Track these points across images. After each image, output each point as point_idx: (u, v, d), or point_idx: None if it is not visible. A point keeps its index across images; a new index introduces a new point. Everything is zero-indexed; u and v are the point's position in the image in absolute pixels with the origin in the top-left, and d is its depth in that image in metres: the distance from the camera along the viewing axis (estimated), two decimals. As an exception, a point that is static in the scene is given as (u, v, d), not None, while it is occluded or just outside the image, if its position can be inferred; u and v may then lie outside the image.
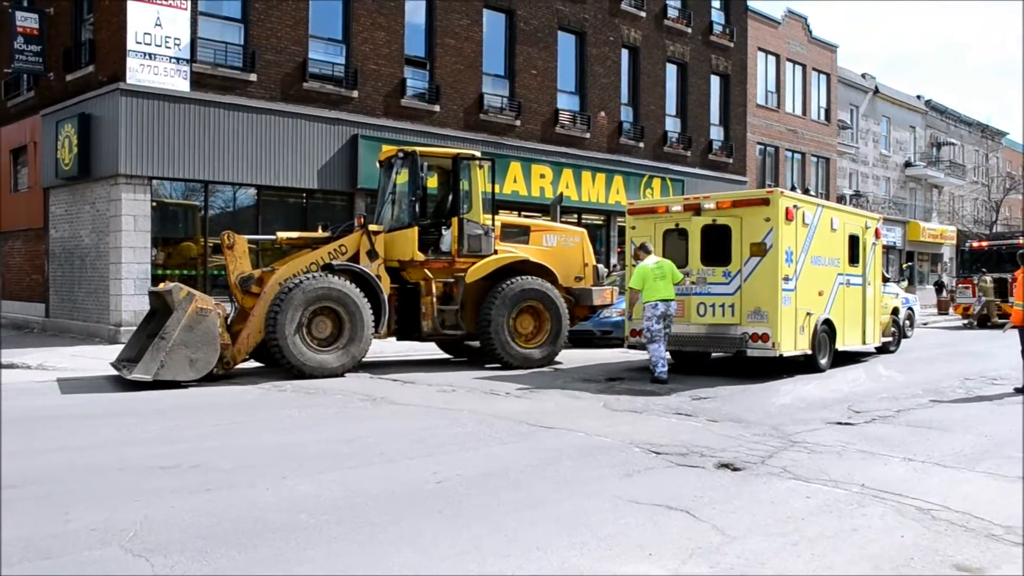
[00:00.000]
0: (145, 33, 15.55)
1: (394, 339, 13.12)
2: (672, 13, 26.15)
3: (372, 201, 16.50)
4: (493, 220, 12.94)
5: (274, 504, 5.04)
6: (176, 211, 16.96)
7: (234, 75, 16.71)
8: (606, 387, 10.56)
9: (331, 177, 18.25)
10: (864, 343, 14.06)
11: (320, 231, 12.65)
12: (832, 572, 4.02)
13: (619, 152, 24.49)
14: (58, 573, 3.93)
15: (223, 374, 10.78)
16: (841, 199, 34.97)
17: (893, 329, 15.78)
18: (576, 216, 22.95)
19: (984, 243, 28.27)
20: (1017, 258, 11.46)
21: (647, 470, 6.01)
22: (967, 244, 29.85)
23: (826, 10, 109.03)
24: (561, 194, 19.15)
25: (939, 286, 35.93)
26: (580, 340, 15.76)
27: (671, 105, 26.52)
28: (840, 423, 8.02)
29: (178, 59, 15.97)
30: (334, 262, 11.77)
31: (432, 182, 13.61)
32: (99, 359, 12.56)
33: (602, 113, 24.05)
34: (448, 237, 12.57)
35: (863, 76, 39.82)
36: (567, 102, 23.29)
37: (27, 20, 17.80)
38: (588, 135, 23.57)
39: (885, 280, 15.89)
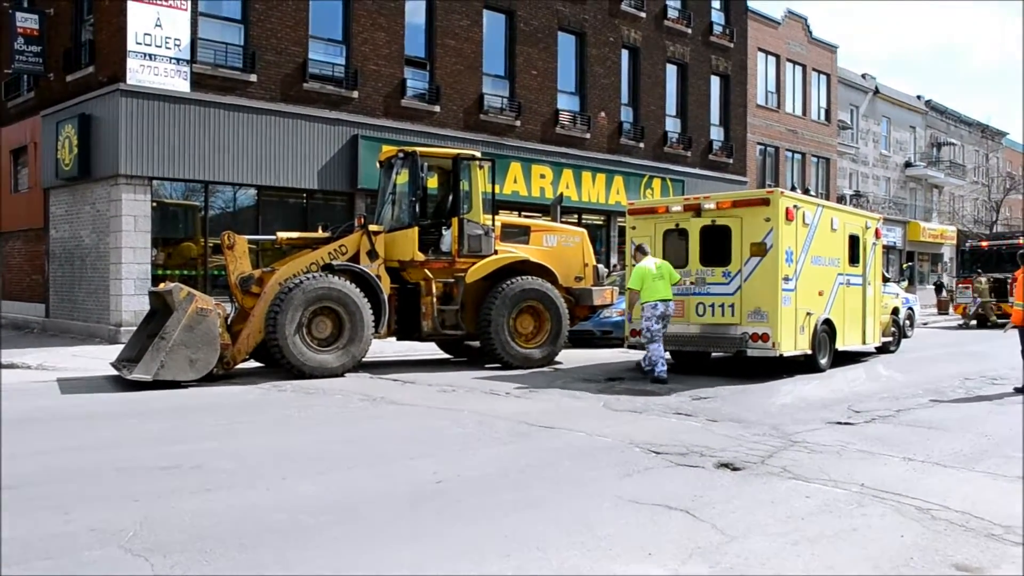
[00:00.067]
0: (145, 34, 15.55)
1: (394, 339, 13.12)
2: (672, 14, 26.15)
3: (372, 201, 16.51)
4: (493, 220, 12.95)
5: (274, 504, 5.04)
6: (176, 211, 16.96)
7: (234, 76, 16.72)
8: (606, 387, 10.56)
9: (331, 177, 18.26)
10: (864, 343, 14.06)
11: (320, 231, 12.65)
12: (832, 572, 4.02)
13: (619, 152, 24.50)
14: (58, 573, 3.92)
15: (223, 374, 10.79)
16: (841, 199, 34.96)
17: (893, 329, 15.78)
18: (576, 216, 22.95)
19: (985, 243, 28.30)
20: (1017, 258, 11.46)
21: (647, 470, 6.01)
22: (967, 244, 29.88)
23: (826, 10, 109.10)
24: (561, 194, 19.15)
25: (939, 286, 35.95)
26: (580, 340, 15.76)
27: (671, 105, 26.52)
28: (840, 423, 8.02)
29: (178, 60, 15.98)
30: (334, 262, 11.77)
31: (432, 182, 13.61)
32: (99, 359, 12.56)
33: (602, 113, 24.05)
34: (448, 237, 12.57)
35: (863, 76, 39.83)
36: (567, 102, 23.29)
37: (27, 21, 17.81)
38: (588, 135, 23.58)
39: (885, 280, 15.89)
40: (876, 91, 40.20)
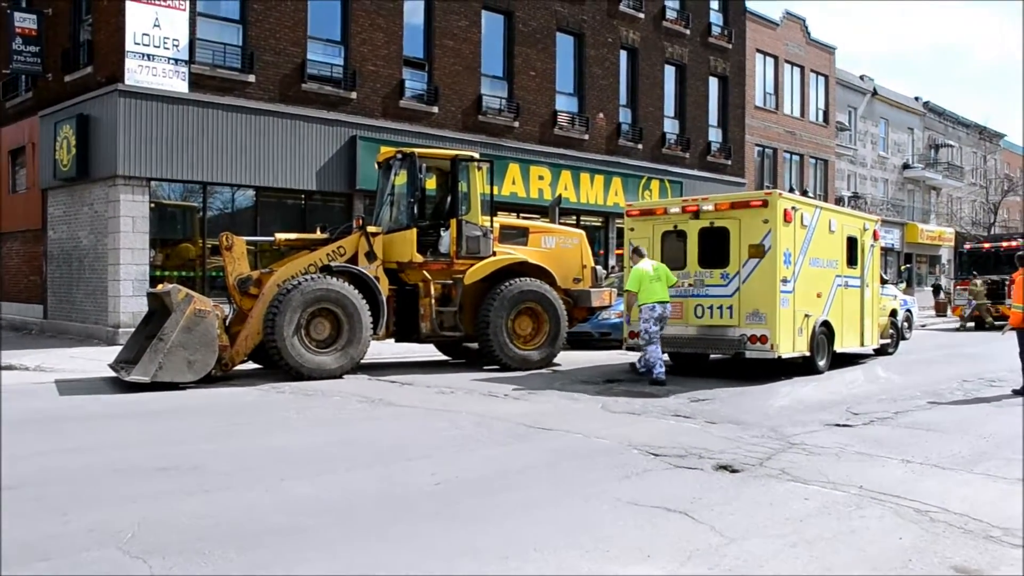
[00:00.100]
0: (144, 34, 15.54)
1: (392, 341, 13.12)
2: (670, 15, 26.17)
3: (370, 202, 16.50)
4: (492, 221, 12.95)
5: (272, 506, 5.03)
6: (174, 212, 16.95)
7: (233, 76, 16.71)
8: (604, 389, 10.56)
9: (329, 178, 18.25)
10: (862, 345, 14.06)
11: (318, 232, 12.63)
12: (831, 573, 4.02)
13: (618, 154, 24.51)
14: (56, 574, 3.92)
15: (221, 376, 10.77)
16: (839, 201, 34.99)
17: (891, 331, 15.79)
18: (575, 218, 22.96)
19: (986, 244, 28.33)
20: (1016, 260, 11.46)
21: (645, 472, 6.01)
22: (964, 246, 29.91)
23: (824, 11, 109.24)
24: (560, 195, 19.18)
25: (937, 288, 35.98)
26: (578, 342, 15.77)
27: (669, 107, 26.54)
28: (838, 425, 8.02)
29: (177, 60, 15.97)
30: (332, 263, 11.77)
31: (431, 183, 13.61)
32: (97, 360, 12.55)
33: (601, 115, 24.06)
34: (447, 238, 12.56)
35: (861, 78, 39.87)
36: (566, 103, 23.30)
37: (25, 21, 17.80)
38: (587, 136, 23.58)
39: (883, 282, 15.91)
40: (874, 92, 40.25)
